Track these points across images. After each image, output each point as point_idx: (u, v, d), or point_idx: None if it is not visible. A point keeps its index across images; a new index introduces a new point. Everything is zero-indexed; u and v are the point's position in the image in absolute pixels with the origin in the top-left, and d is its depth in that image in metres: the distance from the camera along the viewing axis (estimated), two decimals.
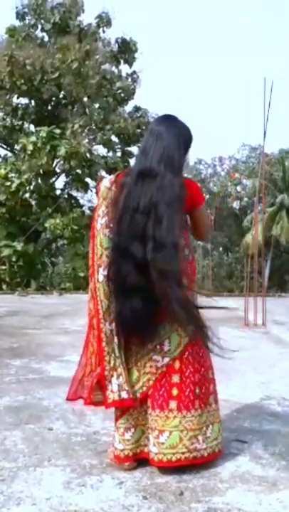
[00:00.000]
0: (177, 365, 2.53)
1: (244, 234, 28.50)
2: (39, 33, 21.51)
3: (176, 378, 2.53)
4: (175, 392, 2.51)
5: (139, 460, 2.58)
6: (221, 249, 34.30)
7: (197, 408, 2.53)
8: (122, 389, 2.51)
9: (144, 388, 2.54)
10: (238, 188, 35.25)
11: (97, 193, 2.65)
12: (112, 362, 2.52)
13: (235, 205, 35.49)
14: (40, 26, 21.18)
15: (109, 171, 19.70)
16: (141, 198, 2.44)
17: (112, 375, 2.52)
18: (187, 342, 2.55)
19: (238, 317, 8.97)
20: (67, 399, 2.68)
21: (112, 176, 2.66)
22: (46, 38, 21.49)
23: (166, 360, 2.53)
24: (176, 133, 2.55)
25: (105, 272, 2.50)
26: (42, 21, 20.83)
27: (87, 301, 2.64)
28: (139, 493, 2.30)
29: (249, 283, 10.04)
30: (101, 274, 2.51)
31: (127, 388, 2.51)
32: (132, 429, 2.58)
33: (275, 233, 28.52)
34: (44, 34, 21.48)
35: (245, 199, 34.03)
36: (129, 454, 2.56)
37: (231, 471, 2.57)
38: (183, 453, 2.48)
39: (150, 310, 2.46)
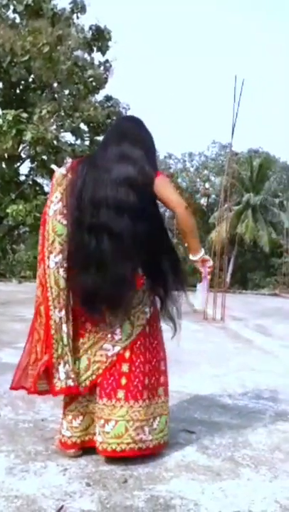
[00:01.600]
0: (127, 354, 2.51)
1: (210, 231, 28.71)
2: (11, 14, 21.06)
3: (125, 368, 2.50)
4: (124, 381, 2.49)
5: (87, 448, 2.55)
6: (186, 244, 34.37)
7: (145, 399, 2.51)
8: (68, 377, 2.47)
9: (94, 376, 2.51)
10: (207, 185, 35.49)
11: (51, 179, 2.62)
12: (59, 350, 2.47)
13: (203, 201, 35.72)
14: (12, 7, 20.73)
15: (77, 159, 19.50)
16: (95, 188, 2.44)
17: (59, 363, 2.47)
18: (139, 331, 2.54)
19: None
20: (11, 388, 2.62)
21: (68, 163, 2.61)
22: (18, 20, 21.04)
23: (117, 349, 2.50)
24: (141, 139, 2.58)
25: (57, 259, 2.46)
26: (14, 2, 20.34)
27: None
28: (83, 480, 2.27)
29: (212, 279, 10.11)
30: (52, 261, 2.46)
31: (72, 376, 2.48)
32: (81, 417, 2.54)
33: (240, 231, 28.84)
34: (16, 15, 21.02)
35: (213, 196, 34.29)
36: (77, 441, 2.53)
37: (177, 461, 2.56)
38: (128, 443, 2.46)
39: (121, 277, 2.43)
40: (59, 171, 2.57)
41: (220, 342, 6.92)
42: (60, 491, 2.17)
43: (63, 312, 2.47)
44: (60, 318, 2.47)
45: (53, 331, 2.46)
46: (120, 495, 2.15)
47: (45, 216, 2.54)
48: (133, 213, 2.42)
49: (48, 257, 2.47)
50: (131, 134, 2.56)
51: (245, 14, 75.38)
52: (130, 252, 2.43)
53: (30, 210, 17.47)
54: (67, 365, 2.47)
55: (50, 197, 2.57)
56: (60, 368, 2.47)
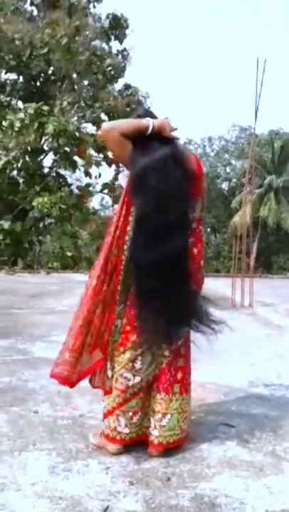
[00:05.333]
0: (182, 349, 2.59)
1: (232, 215, 28.50)
2: (28, 7, 21.07)
3: (181, 362, 2.58)
4: (180, 375, 2.56)
5: (137, 442, 2.57)
6: (208, 229, 34.27)
7: (189, 391, 2.63)
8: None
9: (156, 371, 2.55)
10: (228, 169, 35.19)
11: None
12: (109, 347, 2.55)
13: (224, 186, 35.45)
14: (29, 0, 20.74)
15: (98, 150, 19.48)
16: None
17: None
18: None
19: (225, 298, 8.96)
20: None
21: None
22: (35, 12, 21.05)
23: (179, 342, 2.57)
24: None
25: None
26: None
27: (88, 285, 2.53)
28: (126, 479, 2.27)
29: (237, 264, 10.02)
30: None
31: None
32: (140, 413, 2.57)
33: (262, 214, 28.56)
34: (33, 8, 21.04)
35: (234, 180, 33.97)
36: (133, 436, 2.56)
37: (218, 456, 2.55)
38: (177, 434, 2.54)
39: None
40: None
41: (250, 329, 6.86)
42: (104, 490, 2.17)
43: (122, 306, 2.53)
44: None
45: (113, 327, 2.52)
46: (164, 494, 2.14)
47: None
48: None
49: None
50: None
51: None
52: None
53: (55, 202, 17.50)
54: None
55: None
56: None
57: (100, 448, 2.57)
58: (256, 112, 8.88)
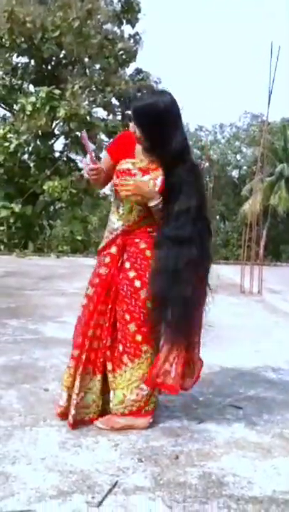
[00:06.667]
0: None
1: (242, 203, 28.37)
2: None
3: None
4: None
5: None
6: (218, 217, 34.19)
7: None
8: None
9: None
10: (238, 157, 34.98)
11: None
12: None
13: (234, 173, 35.27)
14: None
15: (109, 135, 19.40)
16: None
17: None
18: None
19: (234, 284, 8.97)
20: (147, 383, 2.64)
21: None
22: None
23: None
24: None
25: None
26: None
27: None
28: (135, 456, 2.31)
29: (246, 252, 10.01)
30: None
31: None
32: None
33: (272, 203, 28.42)
34: None
35: (245, 168, 33.79)
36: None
37: (226, 437, 2.58)
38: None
39: None
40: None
41: (259, 316, 6.87)
42: (113, 466, 2.20)
43: None
44: None
45: None
46: (173, 471, 2.18)
47: None
48: None
49: None
50: None
51: None
52: None
53: (66, 186, 17.52)
54: None
55: None
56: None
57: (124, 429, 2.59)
58: (269, 98, 8.81)
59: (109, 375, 2.62)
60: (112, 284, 2.64)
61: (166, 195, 2.55)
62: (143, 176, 2.58)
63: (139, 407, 2.59)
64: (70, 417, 2.57)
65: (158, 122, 2.49)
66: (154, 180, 2.56)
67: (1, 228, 17.60)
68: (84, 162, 2.68)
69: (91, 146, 2.70)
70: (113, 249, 2.68)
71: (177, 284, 2.47)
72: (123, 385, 2.59)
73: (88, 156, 2.64)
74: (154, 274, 2.54)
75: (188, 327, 2.56)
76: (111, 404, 2.63)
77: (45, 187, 17.63)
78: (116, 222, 2.68)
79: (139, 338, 2.58)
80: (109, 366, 2.62)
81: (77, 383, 2.57)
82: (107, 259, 2.68)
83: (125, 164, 2.63)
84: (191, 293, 2.49)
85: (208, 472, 2.18)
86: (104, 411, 2.66)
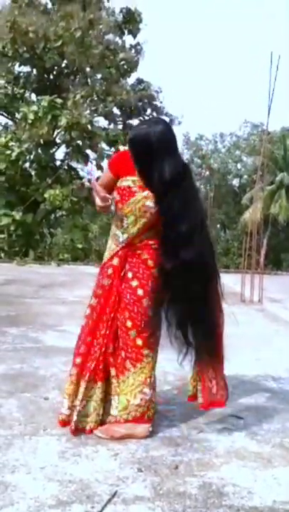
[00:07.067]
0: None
1: (242, 211, 28.38)
2: (42, 0, 21.06)
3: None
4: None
5: None
6: (218, 225, 34.20)
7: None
8: None
9: None
10: (238, 166, 35.04)
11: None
12: None
13: (235, 182, 35.32)
14: None
15: (110, 144, 19.47)
16: None
17: None
18: None
19: (234, 293, 8.97)
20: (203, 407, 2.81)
21: None
22: (50, 5, 20.99)
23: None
24: None
25: None
26: None
27: None
28: (134, 466, 2.30)
29: (246, 260, 10.02)
30: None
31: None
32: None
33: (273, 212, 28.44)
34: (47, 1, 20.98)
35: (245, 177, 33.83)
36: None
37: (226, 447, 2.57)
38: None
39: None
40: None
41: (259, 324, 6.87)
42: (113, 476, 2.20)
43: None
44: None
45: None
46: (172, 481, 2.17)
47: None
48: None
49: None
50: None
51: None
52: None
53: (67, 194, 17.57)
54: None
55: None
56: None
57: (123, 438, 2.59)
58: (269, 107, 8.84)
59: (113, 381, 2.66)
60: (114, 293, 2.69)
61: (163, 220, 2.60)
62: (142, 192, 2.63)
63: (143, 413, 2.61)
64: (73, 423, 2.59)
65: (148, 153, 2.53)
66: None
67: (2, 236, 17.62)
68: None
69: (95, 182, 2.75)
70: (115, 261, 2.73)
71: (201, 308, 2.61)
72: (126, 391, 2.61)
73: (95, 188, 2.69)
74: (174, 302, 2.62)
75: (218, 345, 2.76)
76: (115, 411, 2.63)
77: (46, 195, 17.68)
78: (121, 236, 2.72)
79: (139, 342, 2.62)
80: (113, 372, 2.66)
81: (81, 389, 2.61)
82: (110, 271, 2.73)
83: (126, 181, 2.68)
84: (215, 313, 2.69)
85: (208, 482, 2.17)
86: (103, 421, 2.66)
